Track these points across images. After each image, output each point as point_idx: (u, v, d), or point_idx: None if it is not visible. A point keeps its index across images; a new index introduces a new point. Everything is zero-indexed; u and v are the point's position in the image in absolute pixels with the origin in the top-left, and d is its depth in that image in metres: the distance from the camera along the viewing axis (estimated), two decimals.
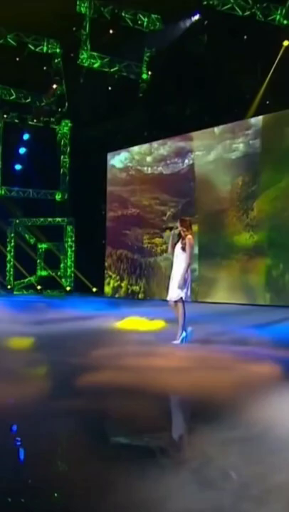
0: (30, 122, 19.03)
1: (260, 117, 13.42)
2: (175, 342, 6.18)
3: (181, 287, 6.21)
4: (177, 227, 6.43)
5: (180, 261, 6.32)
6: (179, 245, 6.37)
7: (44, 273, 20.12)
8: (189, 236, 6.35)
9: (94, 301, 14.61)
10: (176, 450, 2.82)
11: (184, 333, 6.23)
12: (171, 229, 6.60)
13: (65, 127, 19.53)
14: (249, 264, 13.57)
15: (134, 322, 8.28)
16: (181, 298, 6.27)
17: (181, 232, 6.37)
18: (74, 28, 14.28)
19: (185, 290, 6.27)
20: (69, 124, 19.35)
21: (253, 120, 13.60)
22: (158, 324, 8.29)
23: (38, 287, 19.37)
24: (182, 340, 6.19)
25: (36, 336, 6.82)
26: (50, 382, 4.36)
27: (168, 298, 6.45)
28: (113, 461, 2.46)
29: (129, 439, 3.03)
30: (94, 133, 17.79)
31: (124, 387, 3.98)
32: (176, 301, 6.32)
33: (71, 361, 5.06)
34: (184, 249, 6.28)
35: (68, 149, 20.02)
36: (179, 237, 6.41)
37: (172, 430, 3.38)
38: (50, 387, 4.14)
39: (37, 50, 15.48)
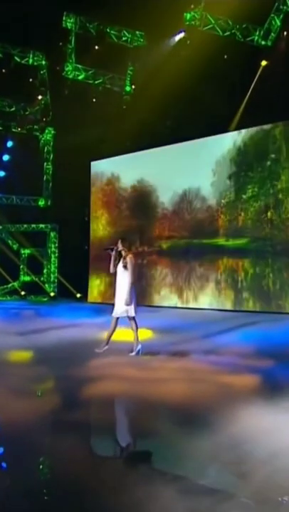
0: (13, 130, 19.27)
1: (236, 132, 14.15)
2: (132, 354, 6.64)
3: (128, 304, 6.65)
4: (118, 247, 6.88)
5: (123, 279, 6.75)
6: (120, 264, 6.81)
7: (27, 278, 20.35)
8: (130, 255, 6.85)
9: (79, 307, 14.95)
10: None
11: (140, 346, 6.72)
12: (112, 250, 6.94)
13: (48, 134, 19.81)
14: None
15: (121, 332, 8.74)
16: (134, 315, 6.78)
17: (122, 251, 6.84)
18: (60, 43, 14.64)
19: (132, 306, 6.71)
20: (52, 132, 19.64)
21: (230, 134, 14.31)
22: (144, 334, 8.78)
23: (22, 293, 19.59)
24: (138, 352, 6.64)
25: (30, 348, 7.23)
26: (52, 395, 4.80)
27: (113, 314, 6.84)
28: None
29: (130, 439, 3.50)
30: (77, 141, 18.19)
31: (118, 397, 4.45)
32: (128, 318, 6.80)
33: (69, 374, 5.51)
34: (125, 267, 6.73)
35: (51, 156, 20.31)
36: (120, 256, 6.85)
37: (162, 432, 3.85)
38: (52, 399, 4.59)
39: (23, 61, 15.76)
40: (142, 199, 17.20)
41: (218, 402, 4.27)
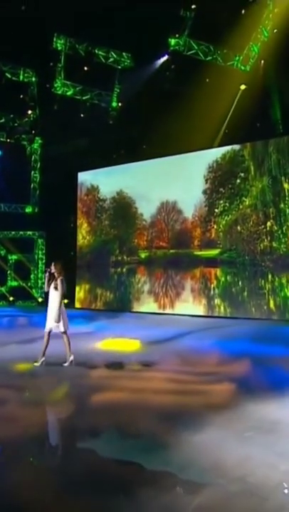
0: (1, 139, 19.83)
1: (211, 150, 15.20)
2: (65, 364, 7.45)
3: (57, 320, 7.51)
4: (51, 270, 7.72)
5: (54, 297, 7.59)
6: (52, 285, 7.65)
7: (15, 283, 20.94)
8: (61, 278, 7.65)
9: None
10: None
11: (72, 357, 7.48)
12: (47, 271, 7.85)
13: (35, 144, 20.44)
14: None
15: (113, 343, 9.58)
16: (63, 330, 7.58)
17: (55, 273, 7.67)
18: (51, 64, 15.34)
19: (61, 323, 7.56)
20: (39, 141, 20.28)
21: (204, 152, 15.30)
22: (134, 345, 9.65)
23: (11, 298, 20.19)
24: (71, 363, 7.45)
25: (29, 359, 7.98)
26: (61, 404, 5.60)
27: (45, 329, 7.63)
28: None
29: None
30: (65, 151, 18.93)
31: (120, 405, 5.29)
32: (61, 333, 7.64)
33: (72, 384, 6.32)
34: (56, 288, 7.57)
35: (39, 165, 20.95)
36: (53, 277, 7.68)
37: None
38: (62, 408, 5.39)
39: (13, 78, 16.40)
40: (121, 210, 18.17)
41: (198, 409, 5.14)
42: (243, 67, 14.21)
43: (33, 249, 20.91)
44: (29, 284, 20.80)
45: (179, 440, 4.10)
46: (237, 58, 14.18)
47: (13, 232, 20.73)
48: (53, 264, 7.78)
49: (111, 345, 9.53)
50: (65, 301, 17.42)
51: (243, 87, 14.11)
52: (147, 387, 5.89)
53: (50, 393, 6.04)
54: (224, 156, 15.08)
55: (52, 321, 7.56)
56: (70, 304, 19.04)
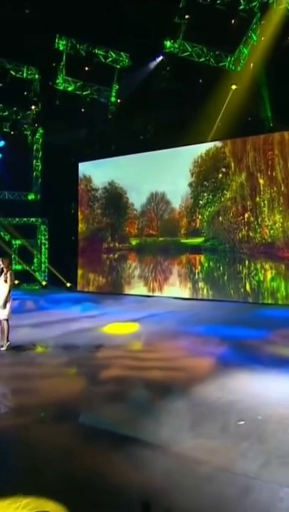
0: (5, 129, 20.71)
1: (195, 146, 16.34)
2: (2, 349, 8.45)
3: (3, 308, 8.47)
4: (0, 265, 8.64)
5: (3, 290, 8.52)
6: (1, 278, 8.56)
7: (19, 267, 22.11)
8: (10, 271, 8.66)
9: (72, 297, 16.96)
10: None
11: (9, 342, 8.52)
12: None
13: (37, 134, 21.33)
14: None
15: (116, 327, 10.91)
16: (7, 318, 8.57)
17: (4, 268, 8.64)
18: (54, 64, 16.25)
19: (7, 310, 8.53)
20: (41, 131, 21.18)
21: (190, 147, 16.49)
22: (133, 327, 10.99)
23: (16, 282, 21.33)
24: (8, 348, 8.45)
25: (44, 340, 9.26)
26: (86, 377, 6.90)
27: None
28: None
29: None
30: (65, 141, 19.94)
31: (123, 378, 6.62)
32: (4, 319, 8.55)
33: (83, 363, 7.63)
34: (6, 281, 8.54)
35: (40, 154, 21.90)
36: (1, 271, 8.62)
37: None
38: (87, 380, 6.70)
39: (17, 75, 17.28)
40: (113, 200, 19.41)
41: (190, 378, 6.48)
42: (234, 68, 15.15)
43: (36, 235, 22.06)
44: (33, 267, 22.00)
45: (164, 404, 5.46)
46: (229, 60, 15.11)
47: (16, 219, 21.79)
48: (1, 259, 8.80)
49: (112, 328, 10.84)
50: (68, 284, 18.79)
51: (234, 87, 15.08)
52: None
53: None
54: (208, 152, 16.31)
55: (2, 310, 8.53)
56: (73, 288, 20.41)
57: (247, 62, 14.79)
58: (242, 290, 15.63)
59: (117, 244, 19.65)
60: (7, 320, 8.66)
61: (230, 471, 3.94)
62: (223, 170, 16.02)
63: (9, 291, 8.59)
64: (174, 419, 5.03)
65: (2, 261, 8.74)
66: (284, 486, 3.74)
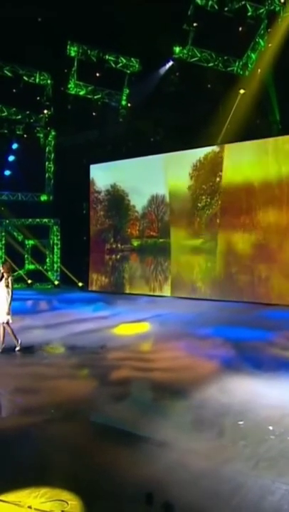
0: (18, 132, 21.20)
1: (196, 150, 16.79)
2: (17, 349, 8.81)
3: (9, 314, 8.79)
4: (1, 271, 8.91)
5: (4, 294, 8.80)
6: (3, 283, 8.83)
7: (32, 267, 22.66)
8: (11, 277, 8.95)
9: (84, 297, 17.40)
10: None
11: (20, 341, 8.84)
12: None
13: (49, 136, 21.79)
14: None
15: (126, 328, 11.31)
16: (8, 321, 8.84)
17: (4, 273, 8.93)
18: (65, 70, 16.66)
19: (8, 315, 8.81)
20: (53, 133, 21.63)
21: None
22: (143, 327, 11.38)
23: (29, 281, 21.94)
24: (20, 348, 8.80)
25: (56, 341, 9.67)
26: (95, 377, 7.30)
27: None
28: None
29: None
30: (78, 143, 20.37)
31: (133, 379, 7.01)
32: (6, 323, 8.82)
33: (94, 364, 8.04)
34: (7, 286, 8.83)
35: (52, 156, 22.35)
36: (2, 276, 8.91)
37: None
38: (96, 380, 7.10)
39: (30, 80, 17.73)
40: (115, 202, 19.94)
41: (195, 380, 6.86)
42: (242, 72, 15.41)
43: (49, 235, 22.54)
44: (45, 267, 22.50)
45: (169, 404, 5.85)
46: (237, 64, 15.37)
47: (29, 220, 22.29)
48: (2, 265, 9.19)
49: (121, 329, 11.24)
50: (80, 284, 19.23)
51: (242, 91, 15.34)
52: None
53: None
54: (206, 156, 16.68)
55: (4, 314, 8.86)
56: (85, 287, 20.85)
57: (255, 67, 15.02)
58: (246, 290, 15.98)
59: (119, 245, 20.14)
60: (8, 323, 8.93)
61: (226, 467, 4.31)
62: (220, 173, 16.45)
63: (11, 296, 8.88)
64: (176, 419, 5.42)
65: (2, 266, 9.09)
66: (276, 481, 4.11)
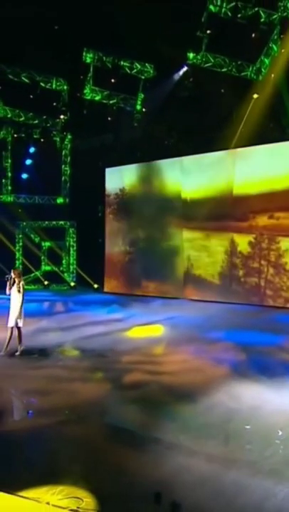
0: (35, 136, 21.63)
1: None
2: (17, 354, 9.00)
3: (19, 318, 9.09)
4: (12, 277, 9.20)
5: (16, 298, 9.11)
6: (14, 288, 9.15)
7: (48, 268, 23.08)
8: (22, 282, 9.27)
9: (100, 299, 17.73)
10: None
11: (23, 347, 9.04)
12: (7, 278, 9.21)
13: (65, 139, 22.17)
14: None
15: (139, 330, 11.59)
16: (19, 325, 9.11)
17: (16, 279, 9.22)
18: (81, 77, 17.00)
19: (22, 320, 9.14)
20: (69, 137, 22.00)
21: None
22: (156, 330, 11.64)
23: (46, 282, 22.36)
24: (22, 353, 9.02)
25: (70, 344, 9.98)
26: (107, 380, 7.59)
27: (8, 325, 9.12)
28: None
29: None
30: (94, 147, 20.72)
31: (147, 382, 7.28)
32: (17, 327, 9.08)
33: (107, 367, 8.32)
34: (19, 291, 9.13)
35: (69, 159, 22.74)
36: (14, 282, 9.20)
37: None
38: (108, 383, 7.38)
39: (47, 86, 18.12)
40: (130, 204, 20.31)
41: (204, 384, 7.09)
42: (255, 77, 15.54)
43: (65, 237, 22.94)
44: (61, 268, 22.91)
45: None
46: (250, 69, 15.51)
47: (46, 222, 22.73)
48: (13, 270, 9.40)
49: (134, 332, 11.51)
50: (95, 285, 19.64)
51: (255, 96, 15.47)
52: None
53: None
54: (219, 160, 17.04)
55: (15, 317, 9.15)
56: (100, 289, 21.18)
57: (268, 72, 15.14)
58: (256, 293, 16.15)
59: (127, 248, 20.44)
60: (19, 328, 9.20)
61: (231, 470, 4.55)
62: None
63: (22, 301, 9.15)
64: (184, 422, 5.68)
65: (13, 272, 9.33)
66: (278, 483, 4.33)
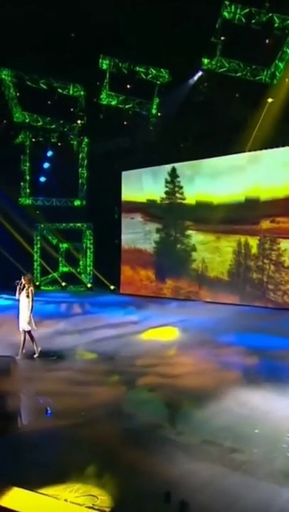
0: (53, 140, 22.04)
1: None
2: (35, 356, 9.34)
3: (29, 322, 9.36)
4: (22, 282, 9.52)
5: (25, 303, 9.40)
6: (24, 293, 9.44)
7: (65, 269, 23.48)
8: (31, 288, 9.56)
9: (115, 300, 18.04)
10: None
11: (39, 348, 9.39)
12: (18, 283, 9.56)
13: (82, 143, 22.53)
14: None
15: (155, 332, 11.85)
16: (28, 329, 9.37)
17: (25, 284, 9.52)
18: (98, 83, 17.33)
19: (32, 324, 9.42)
20: (86, 140, 22.35)
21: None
22: (172, 333, 11.89)
23: (63, 284, 22.77)
24: (39, 354, 9.33)
25: (86, 346, 10.29)
26: (122, 383, 7.89)
27: (20, 328, 9.45)
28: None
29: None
30: (110, 150, 21.05)
31: (160, 385, 7.54)
32: (27, 331, 9.37)
33: (122, 370, 8.60)
34: (28, 296, 9.42)
35: (85, 162, 23.08)
36: (23, 287, 9.51)
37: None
38: (123, 386, 7.68)
39: (64, 92, 18.50)
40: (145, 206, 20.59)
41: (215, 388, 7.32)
42: (270, 81, 15.65)
43: (82, 239, 23.32)
44: (78, 270, 23.28)
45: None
46: (265, 73, 15.62)
47: (63, 224, 23.14)
48: (23, 277, 9.70)
49: (148, 335, 11.77)
50: (112, 287, 19.95)
51: (270, 100, 15.57)
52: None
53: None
54: (234, 163, 17.17)
55: (25, 323, 9.45)
56: (116, 290, 21.51)
57: (283, 76, 15.23)
58: (270, 296, 16.26)
59: (148, 249, 20.75)
60: (29, 331, 9.49)
61: (238, 472, 4.79)
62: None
63: (32, 306, 9.49)
64: (195, 425, 5.93)
65: (24, 278, 9.67)
66: (284, 486, 4.56)
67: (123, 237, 21.72)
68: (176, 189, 19.29)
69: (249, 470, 4.83)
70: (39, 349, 9.53)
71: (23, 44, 15.77)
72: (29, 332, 9.51)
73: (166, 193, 19.66)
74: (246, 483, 4.56)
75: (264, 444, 5.45)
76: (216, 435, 5.66)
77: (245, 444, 5.44)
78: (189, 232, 18.95)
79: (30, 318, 9.45)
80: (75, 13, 14.98)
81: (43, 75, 18.22)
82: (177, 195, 19.27)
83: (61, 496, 4.30)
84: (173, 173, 19.27)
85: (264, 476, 4.73)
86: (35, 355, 9.46)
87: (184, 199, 19.10)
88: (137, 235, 21.15)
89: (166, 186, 19.60)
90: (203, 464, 4.92)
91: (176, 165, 19.01)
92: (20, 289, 9.56)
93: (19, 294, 9.56)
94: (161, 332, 12.02)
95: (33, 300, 9.50)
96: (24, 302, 9.51)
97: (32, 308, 9.50)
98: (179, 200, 19.24)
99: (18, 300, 9.63)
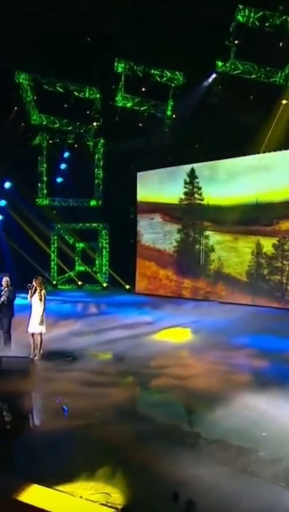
0: (69, 141, 22.37)
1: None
2: (36, 358, 9.39)
3: (41, 324, 9.57)
4: (34, 285, 9.68)
5: (37, 306, 9.58)
6: (36, 296, 9.59)
7: (82, 268, 23.81)
8: (43, 291, 9.70)
9: (130, 300, 18.30)
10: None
11: (41, 352, 9.52)
12: (30, 286, 9.70)
13: (98, 144, 22.82)
14: None
15: (168, 333, 12.07)
16: (41, 331, 9.60)
17: (37, 287, 9.68)
18: (113, 86, 17.59)
19: (44, 326, 9.62)
20: (102, 141, 22.63)
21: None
22: (186, 334, 12.09)
23: (79, 283, 23.12)
24: (41, 357, 9.43)
25: (102, 347, 10.54)
26: (135, 384, 8.14)
27: (30, 330, 9.60)
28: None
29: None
30: (126, 151, 21.30)
31: (172, 387, 7.77)
32: (39, 333, 9.57)
33: (135, 371, 8.84)
34: (40, 299, 9.58)
35: (102, 163, 23.37)
36: (35, 290, 9.67)
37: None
38: (136, 387, 7.93)
39: (80, 95, 18.80)
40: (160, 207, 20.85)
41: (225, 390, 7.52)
42: (284, 83, 15.69)
43: (98, 239, 23.63)
44: (94, 269, 23.61)
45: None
46: (279, 75, 15.67)
47: (80, 224, 23.48)
48: (34, 279, 9.85)
49: (161, 335, 11.98)
50: (127, 286, 20.23)
51: (284, 101, 15.62)
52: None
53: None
54: (249, 165, 17.26)
55: (36, 325, 9.65)
56: (131, 290, 21.78)
57: None
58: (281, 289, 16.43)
59: (163, 249, 20.98)
60: (41, 334, 9.70)
61: (244, 473, 5.00)
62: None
63: (43, 309, 9.68)
64: (205, 427, 6.16)
65: (35, 281, 9.83)
66: None
67: (143, 237, 21.91)
68: (195, 190, 19.47)
69: (255, 472, 5.03)
70: (41, 353, 9.67)
71: (41, 47, 16.09)
72: (40, 334, 9.69)
73: (185, 193, 19.86)
74: (252, 485, 4.77)
75: (271, 446, 5.64)
76: (224, 437, 5.87)
77: (253, 447, 5.63)
78: (208, 232, 19.08)
79: (43, 321, 9.65)
80: (90, 17, 15.23)
81: (59, 78, 18.53)
82: (196, 195, 19.46)
83: (77, 493, 4.56)
84: (192, 174, 19.44)
85: (270, 479, 4.93)
86: (35, 357, 9.54)
87: (202, 200, 19.24)
88: (157, 235, 21.33)
89: (185, 187, 19.78)
90: (211, 465, 5.14)
91: (195, 166, 19.15)
92: (32, 292, 9.73)
93: (31, 297, 9.77)
94: (174, 333, 12.23)
95: (45, 303, 9.70)
96: (37, 305, 9.70)
97: (44, 311, 9.71)
98: (198, 201, 19.40)
99: (31, 303, 9.81)
